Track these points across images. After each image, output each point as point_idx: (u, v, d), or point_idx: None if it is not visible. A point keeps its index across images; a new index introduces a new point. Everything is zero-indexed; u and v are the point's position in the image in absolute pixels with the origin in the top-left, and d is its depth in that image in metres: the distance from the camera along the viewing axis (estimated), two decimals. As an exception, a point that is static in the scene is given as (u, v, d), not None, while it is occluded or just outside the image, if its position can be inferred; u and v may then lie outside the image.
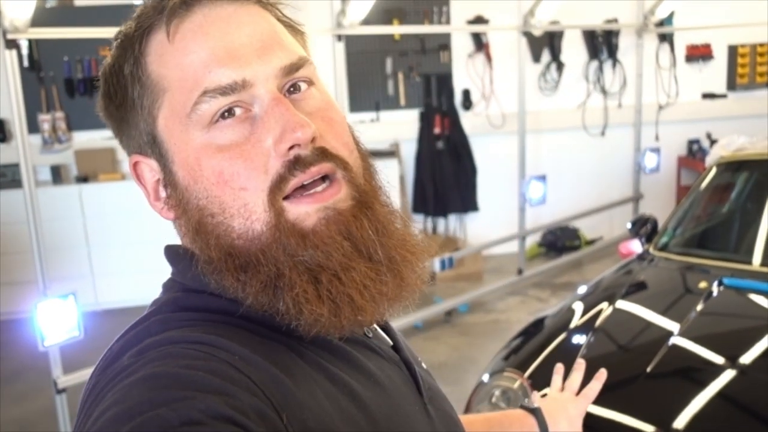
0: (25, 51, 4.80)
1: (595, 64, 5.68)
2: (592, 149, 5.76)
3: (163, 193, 0.63)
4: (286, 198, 0.58)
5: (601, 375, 1.04)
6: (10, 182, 4.69)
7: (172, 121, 0.59)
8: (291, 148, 0.57)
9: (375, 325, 0.70)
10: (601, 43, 5.63)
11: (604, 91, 5.71)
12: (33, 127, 4.74)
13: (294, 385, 0.54)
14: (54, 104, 4.99)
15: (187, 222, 0.61)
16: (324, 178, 0.59)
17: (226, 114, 0.58)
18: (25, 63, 4.84)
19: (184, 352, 0.52)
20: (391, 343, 0.72)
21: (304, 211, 0.58)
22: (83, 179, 4.91)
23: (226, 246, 0.58)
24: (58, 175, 4.93)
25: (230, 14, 0.59)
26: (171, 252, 0.66)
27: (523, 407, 0.99)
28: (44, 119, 4.94)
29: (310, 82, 0.62)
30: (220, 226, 0.59)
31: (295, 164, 0.58)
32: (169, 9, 0.59)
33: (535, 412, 0.97)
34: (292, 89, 0.61)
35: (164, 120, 0.59)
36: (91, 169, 4.96)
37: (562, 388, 1.06)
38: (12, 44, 2.59)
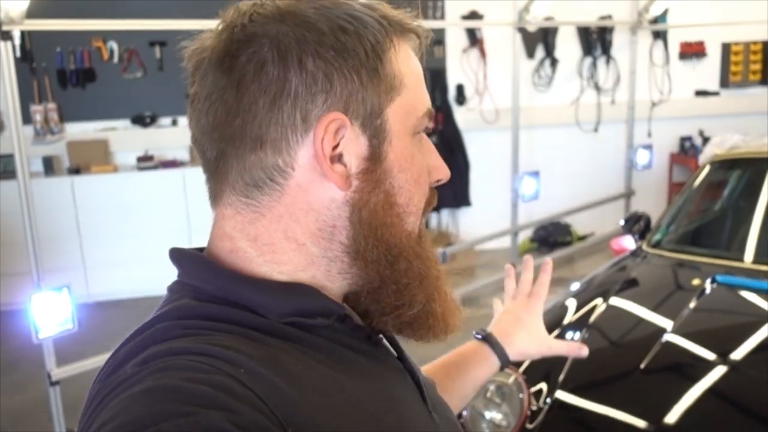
0: (17, 42, 4.75)
1: (588, 60, 5.70)
2: (585, 145, 5.79)
3: (347, 160, 0.61)
4: None
5: (547, 266, 1.03)
6: (2, 173, 4.66)
7: (401, 114, 0.63)
8: (437, 182, 0.69)
9: (381, 336, 0.70)
10: (595, 40, 5.65)
11: (597, 88, 5.73)
12: (25, 118, 4.70)
13: (301, 397, 0.54)
14: (46, 95, 4.95)
15: (365, 199, 0.62)
16: None
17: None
18: (18, 54, 4.79)
19: (188, 364, 0.52)
20: (396, 354, 0.72)
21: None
22: (75, 171, 4.88)
23: (390, 238, 0.63)
24: (50, 166, 4.91)
25: None
26: (184, 255, 0.64)
27: (475, 337, 0.98)
28: (36, 110, 4.91)
29: None
30: (398, 216, 0.64)
31: (432, 196, 0.69)
32: (417, 32, 0.66)
33: (487, 339, 0.96)
34: None
35: (397, 108, 0.63)
36: (84, 161, 4.94)
37: (515, 296, 1.04)
38: (7, 36, 2.57)
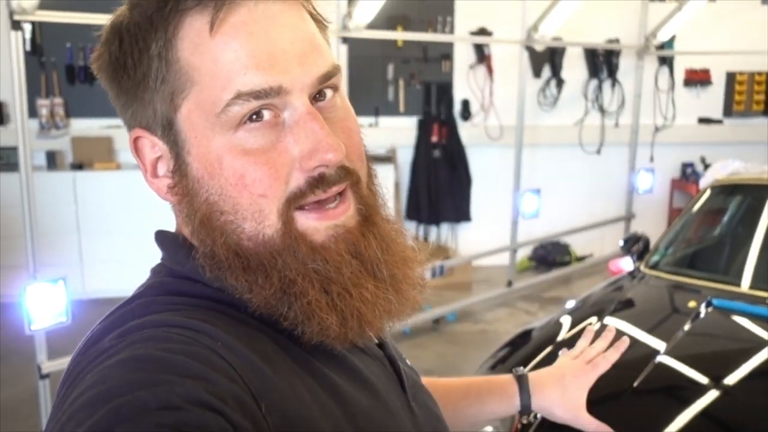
0: (27, 35, 4.78)
1: (594, 82, 5.72)
2: (587, 167, 5.80)
3: (161, 171, 0.61)
4: (298, 208, 0.59)
5: (622, 344, 0.95)
6: (5, 165, 4.67)
7: (197, 114, 0.57)
8: (318, 166, 0.58)
9: None
10: (602, 62, 5.68)
11: (602, 110, 5.75)
12: (31, 111, 4.72)
13: (275, 375, 0.54)
14: (54, 90, 4.97)
15: (191, 212, 0.60)
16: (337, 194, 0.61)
17: (254, 116, 0.57)
18: (28, 47, 4.83)
19: (167, 335, 0.52)
20: (376, 340, 0.71)
21: (313, 226, 0.59)
22: (78, 166, 4.89)
23: (233, 245, 0.58)
24: (53, 161, 4.91)
25: (275, 14, 0.57)
26: (165, 237, 0.65)
27: (512, 373, 0.94)
28: (43, 104, 4.92)
29: (335, 89, 0.62)
30: (230, 225, 0.58)
31: (319, 182, 0.58)
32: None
33: (520, 380, 0.92)
34: (318, 95, 0.60)
35: (188, 112, 0.57)
36: (87, 157, 4.95)
37: (578, 356, 0.97)
38: (18, 26, 2.59)
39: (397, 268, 0.62)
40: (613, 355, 0.95)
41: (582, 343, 1.00)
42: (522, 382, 0.92)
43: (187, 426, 0.45)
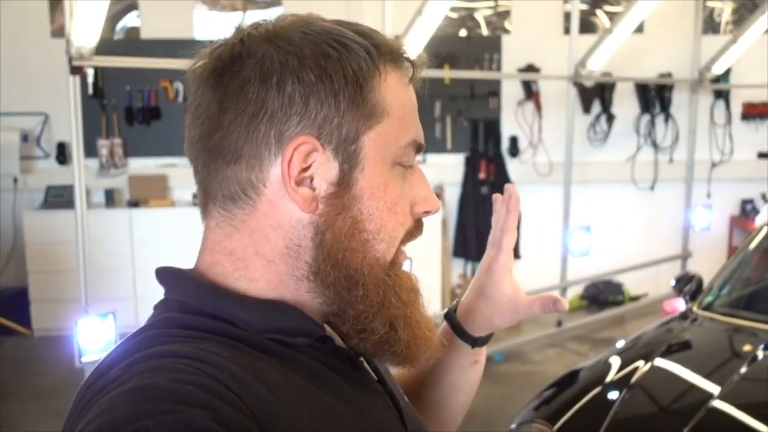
0: (90, 79, 5.02)
1: (646, 117, 5.62)
2: (640, 203, 5.67)
3: (311, 184, 0.62)
4: None
5: (513, 200, 0.82)
6: (66, 203, 4.86)
7: (380, 142, 0.63)
8: (425, 212, 0.68)
9: (362, 359, 0.71)
10: (654, 97, 5.59)
11: (655, 146, 5.63)
12: (92, 151, 4.94)
13: (279, 405, 0.55)
14: (113, 131, 5.18)
15: (327, 225, 0.62)
16: None
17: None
18: (90, 91, 5.06)
19: (173, 365, 0.53)
20: (376, 377, 0.73)
21: (406, 271, 0.69)
22: (134, 204, 5.05)
23: (358, 262, 0.63)
24: (111, 198, 5.10)
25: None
26: (170, 273, 0.67)
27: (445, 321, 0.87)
28: (103, 144, 5.13)
29: None
30: (367, 243, 0.64)
31: (419, 227, 0.68)
32: (408, 61, 0.66)
33: (451, 321, 0.85)
34: None
35: (375, 135, 0.63)
36: (143, 195, 5.11)
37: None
38: (77, 71, 2.72)
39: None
40: (511, 220, 0.83)
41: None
42: (453, 321, 0.85)
43: None
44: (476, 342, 0.84)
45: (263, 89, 0.60)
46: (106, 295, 4.30)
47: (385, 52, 0.64)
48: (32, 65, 4.98)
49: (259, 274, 0.64)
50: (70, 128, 2.86)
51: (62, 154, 5.18)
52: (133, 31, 5.27)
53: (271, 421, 0.53)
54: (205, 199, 0.66)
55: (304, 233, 0.63)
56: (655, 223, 5.74)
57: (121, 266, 4.94)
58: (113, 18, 5.12)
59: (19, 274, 5.08)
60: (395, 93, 0.65)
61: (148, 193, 5.12)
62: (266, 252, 0.64)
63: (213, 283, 0.64)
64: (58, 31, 4.79)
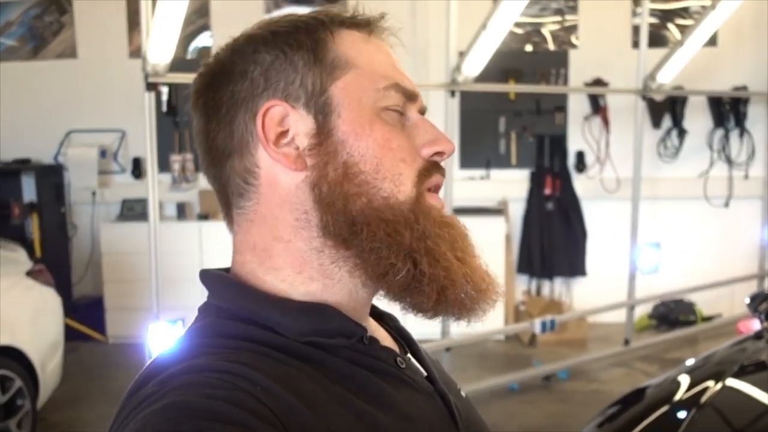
0: (164, 97, 5.24)
1: (720, 131, 5.43)
2: (713, 221, 5.47)
3: (292, 144, 0.64)
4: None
5: None
6: (140, 215, 5.07)
7: (354, 87, 0.65)
8: (436, 154, 0.67)
9: (409, 356, 0.70)
10: (728, 111, 5.39)
11: (729, 161, 5.43)
12: (165, 166, 5.13)
13: (314, 416, 0.55)
14: (185, 146, 5.38)
15: (321, 177, 0.63)
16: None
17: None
18: (164, 108, 5.27)
19: (207, 381, 0.53)
20: (425, 374, 0.71)
21: (438, 206, 0.66)
22: (204, 217, 5.22)
23: (377, 204, 0.63)
24: (182, 211, 5.29)
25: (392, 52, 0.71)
26: (211, 276, 0.68)
27: None
28: (175, 160, 5.32)
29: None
30: (366, 185, 0.63)
31: (435, 167, 0.67)
32: (364, 19, 0.68)
33: None
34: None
35: (344, 84, 0.65)
36: (212, 208, 5.28)
37: None
38: (152, 87, 2.85)
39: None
40: None
41: None
42: None
43: None
44: None
45: (230, 85, 0.65)
46: (176, 304, 4.43)
47: (335, 19, 0.67)
48: (111, 85, 5.24)
49: (281, 259, 0.65)
50: (145, 144, 2.99)
51: (137, 169, 5.40)
52: (205, 51, 5.47)
53: None
54: (227, 209, 0.69)
55: (305, 197, 0.64)
56: (730, 241, 5.52)
57: (190, 276, 5.05)
58: (187, 38, 5.34)
59: (96, 283, 5.31)
60: (357, 47, 0.67)
61: (216, 207, 5.25)
62: (281, 233, 0.65)
63: (247, 284, 0.66)
64: (136, 52, 5.03)
